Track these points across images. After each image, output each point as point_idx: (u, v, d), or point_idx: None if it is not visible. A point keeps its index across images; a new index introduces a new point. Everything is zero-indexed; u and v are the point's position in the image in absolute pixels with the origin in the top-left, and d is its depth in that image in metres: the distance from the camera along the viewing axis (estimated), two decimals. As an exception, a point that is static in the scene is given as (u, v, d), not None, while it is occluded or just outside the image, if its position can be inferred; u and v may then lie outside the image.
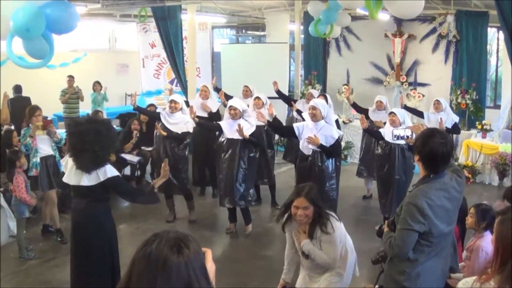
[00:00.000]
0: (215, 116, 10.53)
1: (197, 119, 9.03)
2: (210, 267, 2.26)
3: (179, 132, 9.20)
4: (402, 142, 8.08)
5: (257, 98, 9.98)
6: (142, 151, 11.24)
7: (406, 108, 10.97)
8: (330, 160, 7.99)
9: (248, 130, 8.54)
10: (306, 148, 7.96)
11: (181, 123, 9.22)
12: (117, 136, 5.79)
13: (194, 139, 10.93)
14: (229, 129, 8.65)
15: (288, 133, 8.52)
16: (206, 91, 10.68)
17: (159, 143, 9.36)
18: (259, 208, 10.08)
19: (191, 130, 9.32)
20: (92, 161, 5.45)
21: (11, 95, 13.60)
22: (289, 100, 12.32)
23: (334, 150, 8.04)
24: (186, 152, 9.48)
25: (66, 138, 7.10)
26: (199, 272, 2.06)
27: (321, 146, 7.76)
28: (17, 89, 13.98)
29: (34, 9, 6.79)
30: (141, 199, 6.09)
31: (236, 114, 8.58)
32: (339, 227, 5.06)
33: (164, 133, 9.08)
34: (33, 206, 8.46)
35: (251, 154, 8.74)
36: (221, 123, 8.85)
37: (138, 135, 10.96)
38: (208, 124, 9.65)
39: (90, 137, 5.40)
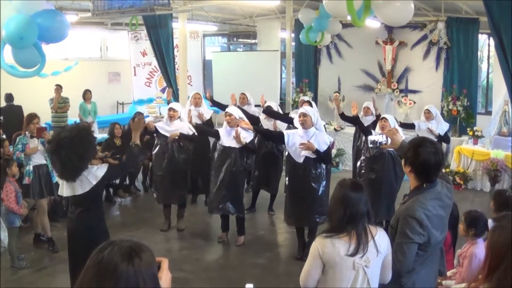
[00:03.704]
0: (208, 124, 10.53)
1: (194, 123, 9.01)
2: (166, 275, 2.28)
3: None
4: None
5: (269, 106, 9.95)
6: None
7: (401, 125, 10.97)
8: (323, 165, 8.00)
9: (246, 139, 8.51)
10: (298, 156, 7.92)
11: (181, 129, 9.19)
12: (91, 140, 5.73)
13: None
14: (226, 137, 8.62)
15: (277, 139, 8.50)
16: (199, 99, 10.64)
17: (163, 151, 9.29)
18: (252, 216, 10.08)
19: (195, 132, 9.31)
20: (65, 170, 5.42)
21: (2, 103, 13.64)
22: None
23: (328, 157, 8.06)
24: (189, 160, 9.46)
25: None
26: (149, 281, 2.07)
27: (317, 152, 7.74)
28: (9, 97, 13.95)
29: (27, 18, 6.80)
30: (134, 163, 6.15)
31: (232, 121, 8.54)
32: None
33: (176, 135, 9.08)
34: (25, 215, 8.41)
35: (245, 163, 8.73)
36: (219, 130, 8.82)
37: (107, 155, 10.86)
38: (206, 129, 9.64)
39: (54, 148, 5.43)
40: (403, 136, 4.77)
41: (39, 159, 8.50)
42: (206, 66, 20.14)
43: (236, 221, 8.98)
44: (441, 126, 10.49)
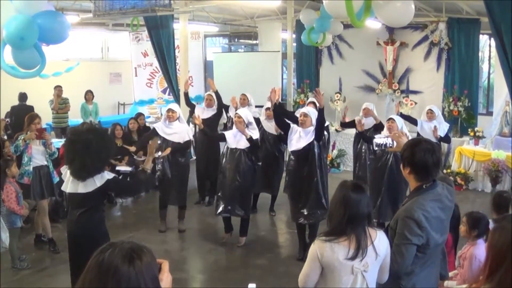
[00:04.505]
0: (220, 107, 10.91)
1: (202, 126, 9.08)
2: (166, 277, 2.28)
3: (181, 142, 9.23)
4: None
5: (268, 109, 9.90)
6: (135, 160, 11.19)
7: (401, 115, 10.94)
8: (318, 151, 8.06)
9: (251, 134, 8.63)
10: (294, 145, 8.08)
11: (180, 132, 9.25)
12: (113, 146, 5.82)
13: (197, 148, 11.20)
14: (232, 139, 8.70)
15: (284, 127, 8.50)
16: (211, 100, 10.82)
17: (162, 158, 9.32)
18: (254, 217, 10.06)
19: (191, 138, 9.43)
20: (82, 170, 5.42)
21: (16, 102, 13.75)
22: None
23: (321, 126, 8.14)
24: (189, 162, 9.56)
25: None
26: (150, 283, 2.07)
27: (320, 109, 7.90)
28: (22, 97, 14.06)
29: (27, 19, 6.79)
30: (141, 189, 6.11)
31: (240, 122, 8.62)
32: None
33: (168, 151, 9.09)
34: (26, 216, 8.40)
35: (251, 164, 8.77)
36: (225, 133, 8.91)
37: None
38: (213, 133, 9.69)
39: (80, 146, 5.42)
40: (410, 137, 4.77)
41: (40, 160, 8.49)
42: (207, 67, 20.11)
43: (240, 222, 8.99)
44: (442, 127, 10.48)
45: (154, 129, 9.50)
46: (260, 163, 9.11)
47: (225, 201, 8.72)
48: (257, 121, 9.64)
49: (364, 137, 9.49)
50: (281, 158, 10.34)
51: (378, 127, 10.14)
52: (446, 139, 10.65)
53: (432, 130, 10.20)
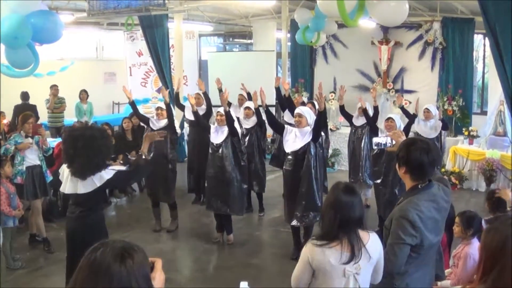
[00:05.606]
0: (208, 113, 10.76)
1: (195, 108, 9.15)
2: (159, 276, 2.29)
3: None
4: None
5: (248, 108, 9.97)
6: (130, 159, 11.15)
7: (402, 109, 10.84)
8: (315, 150, 8.04)
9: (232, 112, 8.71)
10: (291, 145, 8.05)
11: (168, 127, 9.30)
12: (112, 143, 5.82)
13: (189, 147, 11.25)
14: (215, 134, 8.71)
15: (278, 128, 8.47)
16: (199, 99, 10.71)
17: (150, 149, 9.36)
18: (248, 216, 10.06)
19: (177, 130, 9.62)
20: (85, 167, 5.39)
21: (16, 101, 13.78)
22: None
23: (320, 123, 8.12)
24: (175, 162, 9.56)
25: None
26: (141, 281, 2.08)
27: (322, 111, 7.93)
28: (24, 96, 14.07)
29: (21, 18, 6.79)
30: (142, 174, 6.14)
31: (222, 121, 8.61)
32: None
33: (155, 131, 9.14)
34: (19, 217, 8.36)
35: (240, 162, 8.74)
36: (212, 126, 8.88)
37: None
38: (202, 119, 9.62)
39: (83, 142, 5.37)
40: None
41: (32, 159, 8.49)
42: (202, 66, 20.14)
43: (223, 220, 9.00)
44: (439, 124, 10.53)
45: (148, 119, 9.67)
46: (246, 154, 9.05)
47: (210, 197, 8.79)
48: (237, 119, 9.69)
49: (371, 124, 9.54)
50: (262, 155, 10.39)
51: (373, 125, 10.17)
52: (444, 125, 10.70)
53: (432, 127, 10.23)
